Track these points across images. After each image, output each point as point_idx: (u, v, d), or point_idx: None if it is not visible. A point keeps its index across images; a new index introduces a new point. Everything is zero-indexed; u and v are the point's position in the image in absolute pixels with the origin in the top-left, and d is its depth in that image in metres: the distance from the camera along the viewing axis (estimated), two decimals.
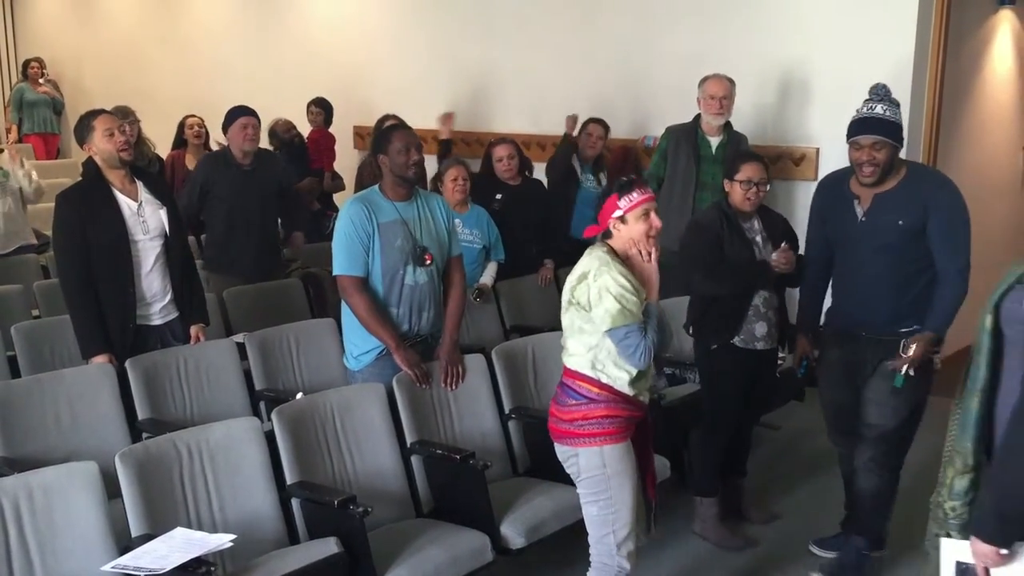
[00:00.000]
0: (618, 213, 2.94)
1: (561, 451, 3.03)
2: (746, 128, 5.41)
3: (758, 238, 3.94)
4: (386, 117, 5.92)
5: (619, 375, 2.94)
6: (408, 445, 3.57)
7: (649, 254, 2.95)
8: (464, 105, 7.13)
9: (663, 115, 5.57)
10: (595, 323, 2.90)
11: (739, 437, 4.22)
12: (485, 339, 4.75)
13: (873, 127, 3.43)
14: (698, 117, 5.09)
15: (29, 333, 4.23)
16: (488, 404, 3.88)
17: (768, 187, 3.94)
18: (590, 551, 3.05)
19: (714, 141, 5.05)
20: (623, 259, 2.97)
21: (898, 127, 3.46)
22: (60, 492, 2.77)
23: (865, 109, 3.47)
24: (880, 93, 3.48)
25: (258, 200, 5.13)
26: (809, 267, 3.83)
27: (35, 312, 4.94)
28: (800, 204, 5.09)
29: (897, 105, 3.50)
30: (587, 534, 3.06)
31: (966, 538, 2.22)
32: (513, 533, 3.36)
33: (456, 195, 4.89)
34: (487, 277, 5.01)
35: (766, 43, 5.54)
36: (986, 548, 2.10)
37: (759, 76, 5.52)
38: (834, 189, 3.67)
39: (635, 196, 2.93)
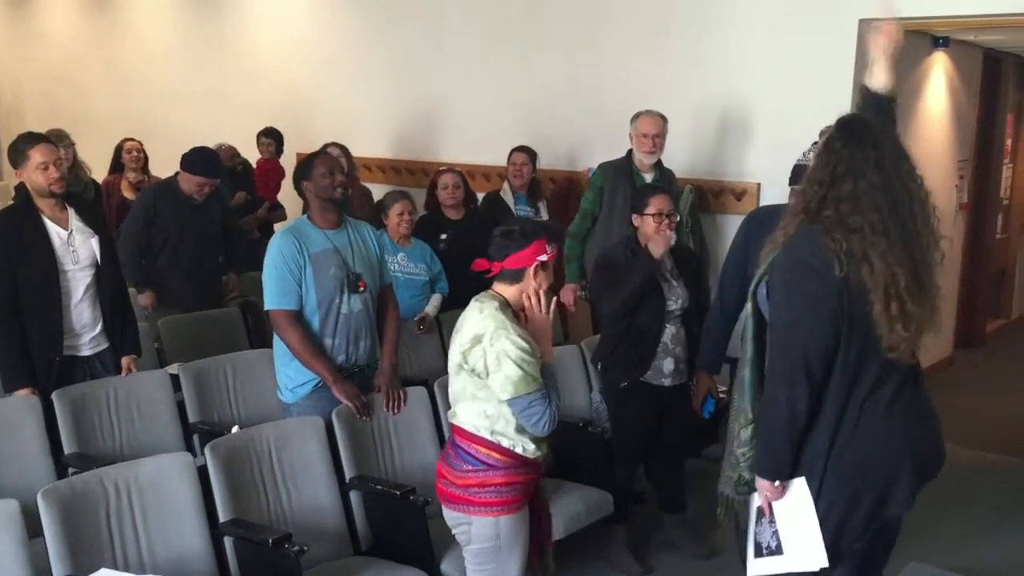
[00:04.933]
0: (543, 258, 2.78)
1: (451, 516, 2.86)
2: (685, 162, 5.46)
3: (667, 274, 3.97)
4: (328, 145, 5.85)
5: (521, 438, 2.76)
6: (347, 480, 3.50)
7: (548, 307, 2.80)
8: (409, 134, 7.11)
9: (604, 147, 5.59)
10: (493, 391, 2.71)
11: (671, 474, 4.27)
12: (427, 371, 4.68)
13: (799, 176, 3.29)
14: (631, 152, 5.08)
15: None
16: (429, 437, 3.82)
17: (678, 216, 3.97)
18: None
19: (648, 177, 5.04)
20: (515, 312, 2.80)
21: None
22: None
23: (802, 157, 3.41)
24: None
25: (203, 235, 5.05)
26: (720, 297, 3.69)
27: None
28: None
29: None
30: None
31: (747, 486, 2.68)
32: (453, 570, 3.29)
33: (401, 229, 4.85)
34: (431, 308, 4.96)
35: (706, 78, 5.60)
36: (765, 483, 2.53)
37: (699, 110, 5.58)
38: (765, 223, 3.40)
39: (555, 248, 2.82)
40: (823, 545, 2.48)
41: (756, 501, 2.65)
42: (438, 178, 5.34)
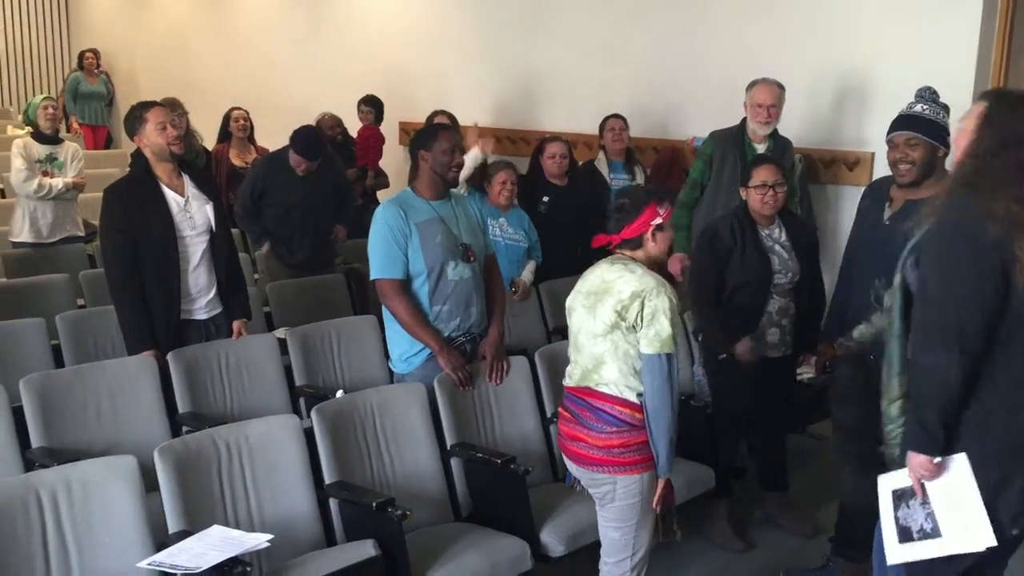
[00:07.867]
0: (658, 221, 2.88)
1: (592, 478, 2.92)
2: (797, 130, 5.28)
3: (777, 246, 3.87)
4: (436, 113, 5.89)
5: None
6: (448, 447, 3.52)
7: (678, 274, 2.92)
8: (510, 103, 7.08)
9: (707, 115, 5.46)
10: (639, 346, 2.80)
11: (771, 450, 4.19)
12: (528, 341, 4.69)
13: (908, 123, 3.34)
14: (744, 121, 4.94)
15: (73, 323, 4.25)
16: (530, 407, 3.81)
17: (786, 188, 3.89)
18: (600, 568, 3.01)
19: (760, 148, 4.87)
20: None
21: (939, 127, 3.31)
22: (98, 486, 2.74)
23: (905, 108, 3.38)
24: (925, 95, 3.38)
25: (315, 202, 5.32)
26: (845, 268, 3.68)
27: (80, 302, 4.97)
28: (851, 209, 4.94)
29: (944, 108, 3.37)
30: None
31: (900, 464, 2.50)
32: (553, 541, 3.30)
33: (503, 198, 4.85)
34: (526, 274, 4.96)
35: (820, 46, 5.40)
36: (920, 459, 2.37)
37: (812, 79, 5.38)
38: (877, 191, 3.58)
39: (668, 206, 2.91)
40: (989, 523, 2.32)
41: (892, 482, 2.54)
42: (545, 146, 5.33)
